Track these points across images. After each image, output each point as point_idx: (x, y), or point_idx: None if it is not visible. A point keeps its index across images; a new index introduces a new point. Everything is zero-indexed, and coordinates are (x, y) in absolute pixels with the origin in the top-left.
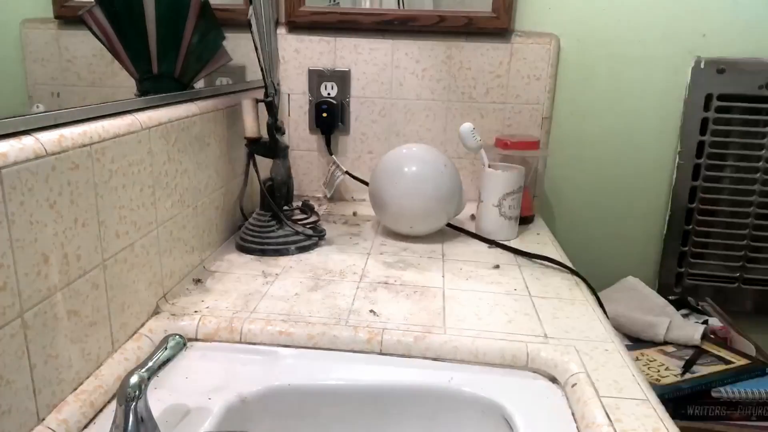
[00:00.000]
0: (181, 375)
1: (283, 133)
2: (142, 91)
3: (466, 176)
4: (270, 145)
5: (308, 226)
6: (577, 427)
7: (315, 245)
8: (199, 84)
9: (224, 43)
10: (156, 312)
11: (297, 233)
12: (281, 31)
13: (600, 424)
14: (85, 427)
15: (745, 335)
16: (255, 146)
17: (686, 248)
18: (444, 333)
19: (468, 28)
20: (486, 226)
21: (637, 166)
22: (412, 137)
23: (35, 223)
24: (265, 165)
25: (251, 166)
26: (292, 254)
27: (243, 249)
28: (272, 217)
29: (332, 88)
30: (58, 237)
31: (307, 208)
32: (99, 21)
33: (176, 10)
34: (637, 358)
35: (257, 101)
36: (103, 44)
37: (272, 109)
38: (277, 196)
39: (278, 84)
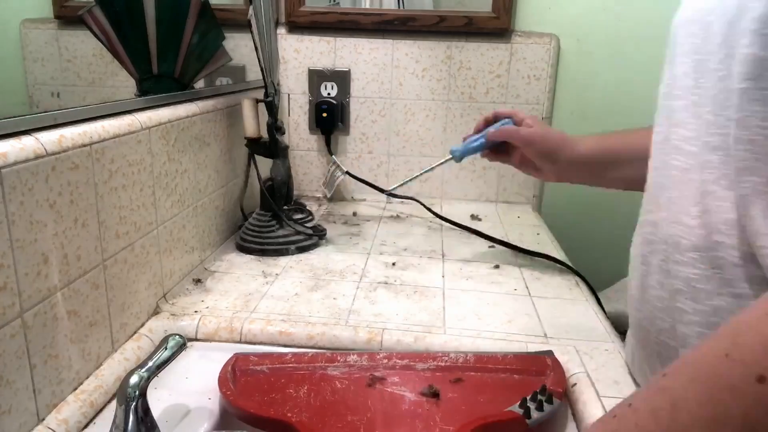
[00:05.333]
0: (181, 375)
1: (283, 133)
2: (142, 91)
3: (467, 176)
4: (270, 145)
5: (308, 226)
6: (577, 427)
7: (315, 245)
8: (199, 84)
9: (224, 43)
10: (156, 312)
11: (297, 233)
12: (281, 31)
13: None
14: (85, 427)
15: None
16: (255, 146)
17: None
18: (444, 333)
19: (468, 28)
20: None
21: None
22: (412, 137)
23: (35, 223)
24: (265, 165)
25: (251, 166)
26: (292, 254)
27: (243, 249)
28: (272, 217)
29: (332, 88)
30: (58, 237)
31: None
32: (99, 21)
33: (176, 10)
34: None
35: (257, 101)
36: (103, 44)
37: (272, 109)
38: (277, 196)
39: (278, 84)
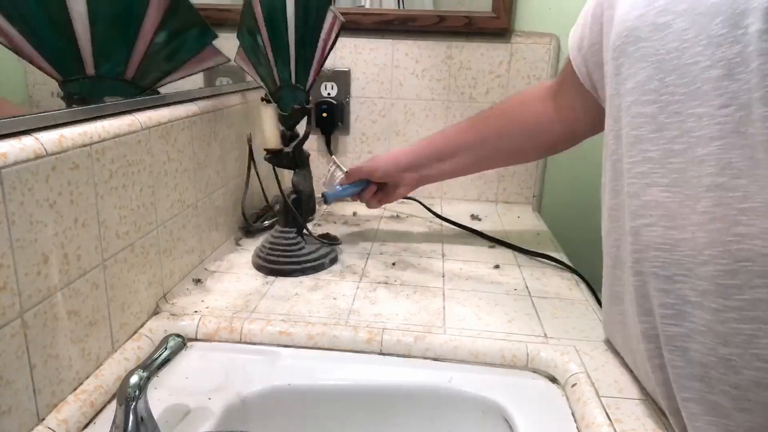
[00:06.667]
0: (181, 375)
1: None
2: (69, 93)
3: (467, 176)
4: (294, 155)
5: (322, 235)
6: (577, 427)
7: (338, 255)
8: (198, 84)
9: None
10: (156, 312)
11: (322, 245)
12: None
13: (600, 424)
14: (85, 427)
15: None
16: (278, 158)
17: None
18: (444, 333)
19: (468, 28)
20: None
21: None
22: (413, 137)
23: (35, 223)
24: (261, 168)
25: (251, 168)
26: (326, 268)
27: (273, 272)
28: (297, 232)
29: (332, 88)
30: (58, 237)
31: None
32: None
33: (124, 7)
34: None
35: (279, 111)
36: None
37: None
38: (305, 210)
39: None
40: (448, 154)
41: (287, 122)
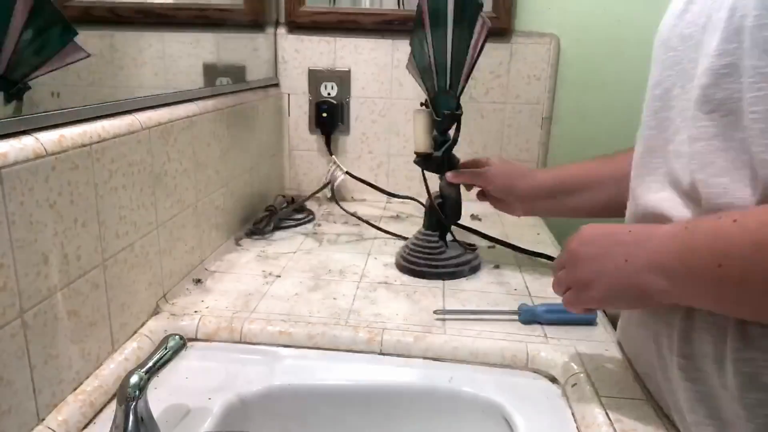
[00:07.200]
0: (181, 375)
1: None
2: None
3: None
4: (443, 159)
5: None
6: (577, 427)
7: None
8: (195, 85)
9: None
10: (156, 312)
11: (465, 252)
12: (281, 31)
13: (600, 424)
14: (85, 427)
15: None
16: (426, 163)
17: None
18: (444, 333)
19: None
20: None
21: None
22: (413, 137)
23: (35, 223)
24: (260, 171)
25: (424, 181)
26: (465, 276)
27: (414, 273)
28: (441, 236)
29: (332, 88)
30: (58, 237)
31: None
32: None
33: None
34: None
35: (432, 116)
36: None
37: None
38: (449, 215)
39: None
40: (578, 187)
41: (440, 127)
